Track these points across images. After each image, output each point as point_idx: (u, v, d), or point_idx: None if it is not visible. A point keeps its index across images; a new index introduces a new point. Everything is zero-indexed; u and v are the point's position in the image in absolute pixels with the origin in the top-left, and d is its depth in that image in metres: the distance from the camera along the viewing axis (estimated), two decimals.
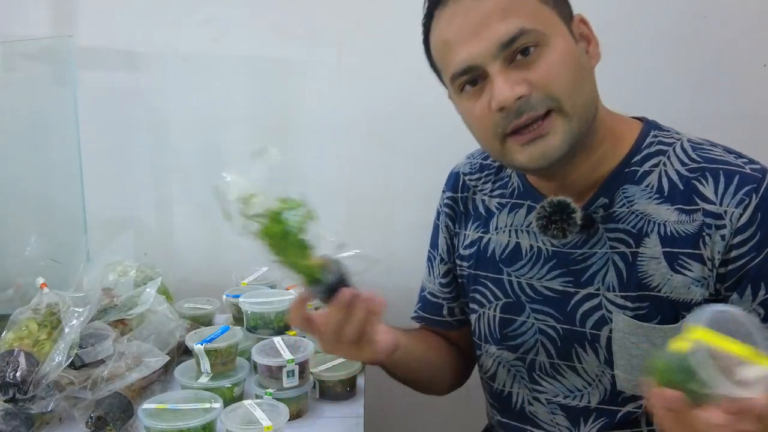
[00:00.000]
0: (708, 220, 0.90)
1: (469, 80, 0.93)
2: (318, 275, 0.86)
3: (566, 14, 0.95)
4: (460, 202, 1.15)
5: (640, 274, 0.94)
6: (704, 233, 0.90)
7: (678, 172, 0.94)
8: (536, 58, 0.89)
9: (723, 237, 0.89)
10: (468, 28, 0.90)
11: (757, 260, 0.89)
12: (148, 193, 1.68)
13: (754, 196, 0.89)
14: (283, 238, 0.83)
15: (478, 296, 1.10)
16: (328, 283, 0.87)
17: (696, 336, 0.69)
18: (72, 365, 1.06)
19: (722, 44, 1.49)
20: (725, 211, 0.90)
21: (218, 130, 1.64)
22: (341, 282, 0.88)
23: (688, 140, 0.97)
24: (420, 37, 0.99)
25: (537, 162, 0.93)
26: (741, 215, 0.89)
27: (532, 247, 1.04)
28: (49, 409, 1.02)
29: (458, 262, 1.15)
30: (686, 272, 0.91)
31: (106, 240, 1.55)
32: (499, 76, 0.89)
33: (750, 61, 1.50)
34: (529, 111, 0.89)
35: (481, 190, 1.13)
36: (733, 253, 0.90)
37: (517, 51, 0.89)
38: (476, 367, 1.18)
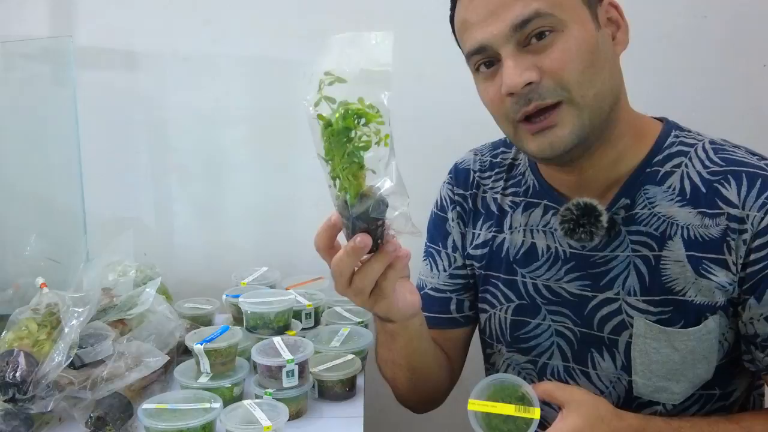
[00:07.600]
0: (732, 225, 0.89)
1: (484, 60, 0.92)
2: (353, 200, 0.75)
3: None
4: (469, 199, 1.12)
5: (663, 278, 0.93)
6: (728, 238, 0.89)
7: (700, 174, 0.93)
8: (550, 43, 0.87)
9: (744, 241, 0.88)
10: (486, 7, 0.89)
11: None
12: (148, 193, 1.68)
13: None
14: (340, 136, 0.73)
15: (488, 296, 1.08)
16: (358, 214, 0.76)
17: (472, 407, 0.89)
18: (72, 365, 1.06)
19: (722, 44, 1.49)
20: (747, 215, 0.89)
21: (218, 130, 1.64)
22: (370, 221, 0.77)
23: (710, 141, 0.96)
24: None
25: (545, 152, 0.91)
26: (762, 219, 0.88)
27: (549, 247, 1.01)
28: (48, 409, 1.02)
29: (467, 261, 1.13)
30: (711, 276, 0.90)
31: (106, 240, 1.55)
32: (509, 59, 0.88)
33: (750, 61, 1.50)
34: (537, 99, 0.87)
35: (492, 188, 1.10)
36: (753, 257, 0.89)
37: (531, 34, 0.87)
38: (480, 367, 1.18)
